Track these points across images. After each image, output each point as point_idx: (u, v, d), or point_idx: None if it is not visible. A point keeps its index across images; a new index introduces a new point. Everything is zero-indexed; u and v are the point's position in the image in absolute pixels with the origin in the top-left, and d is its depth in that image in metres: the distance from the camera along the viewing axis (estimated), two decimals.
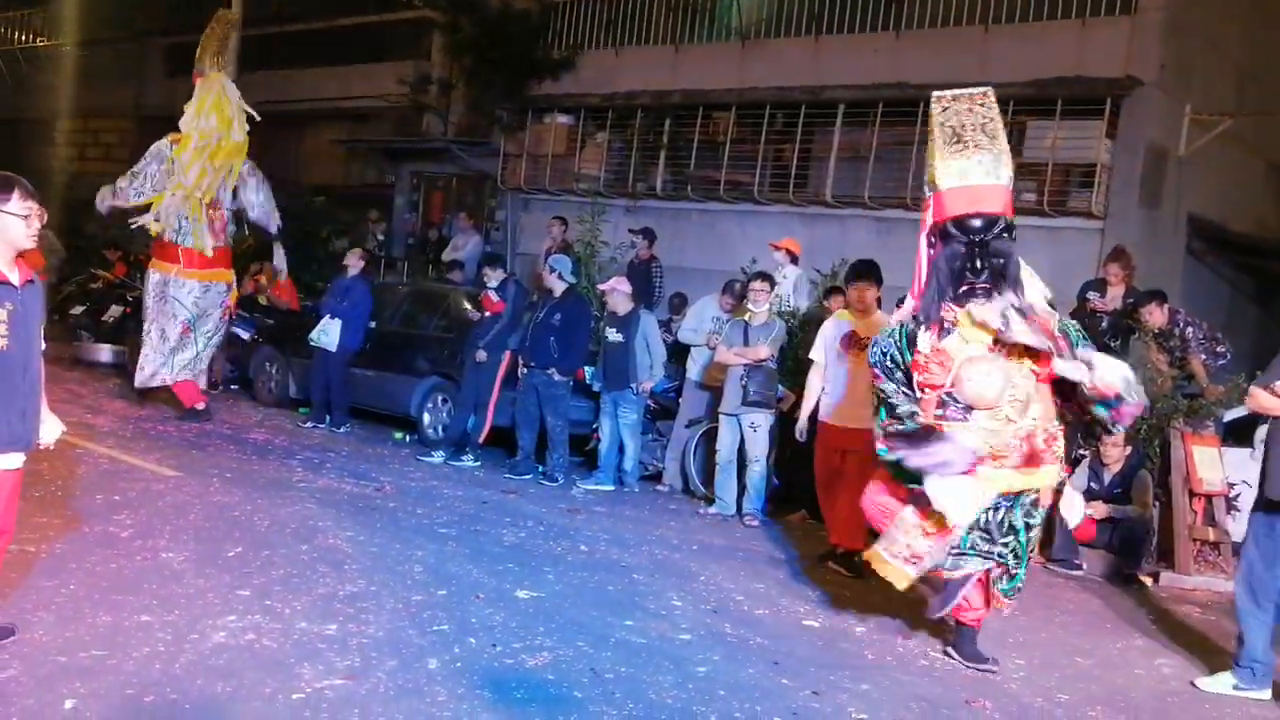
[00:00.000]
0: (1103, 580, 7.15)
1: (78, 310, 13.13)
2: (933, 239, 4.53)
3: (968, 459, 4.31)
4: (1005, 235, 4.47)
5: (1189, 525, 7.24)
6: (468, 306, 9.56)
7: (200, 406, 9.25)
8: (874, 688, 4.43)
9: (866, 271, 6.59)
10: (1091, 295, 8.70)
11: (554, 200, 14.40)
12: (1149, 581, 7.05)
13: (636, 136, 14.05)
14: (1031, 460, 4.47)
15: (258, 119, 9.28)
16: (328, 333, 9.77)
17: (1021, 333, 4.28)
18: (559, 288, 8.64)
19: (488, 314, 8.93)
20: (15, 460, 3.67)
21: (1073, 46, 10.88)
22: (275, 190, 14.88)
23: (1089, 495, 7.35)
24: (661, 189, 13.75)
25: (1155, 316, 7.95)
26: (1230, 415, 7.88)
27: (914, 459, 4.37)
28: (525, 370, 8.56)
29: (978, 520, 4.50)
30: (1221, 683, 4.86)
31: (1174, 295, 9.02)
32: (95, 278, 13.81)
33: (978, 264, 4.38)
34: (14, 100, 22.51)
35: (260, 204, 9.44)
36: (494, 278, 9.08)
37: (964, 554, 4.58)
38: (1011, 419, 4.40)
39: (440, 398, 9.49)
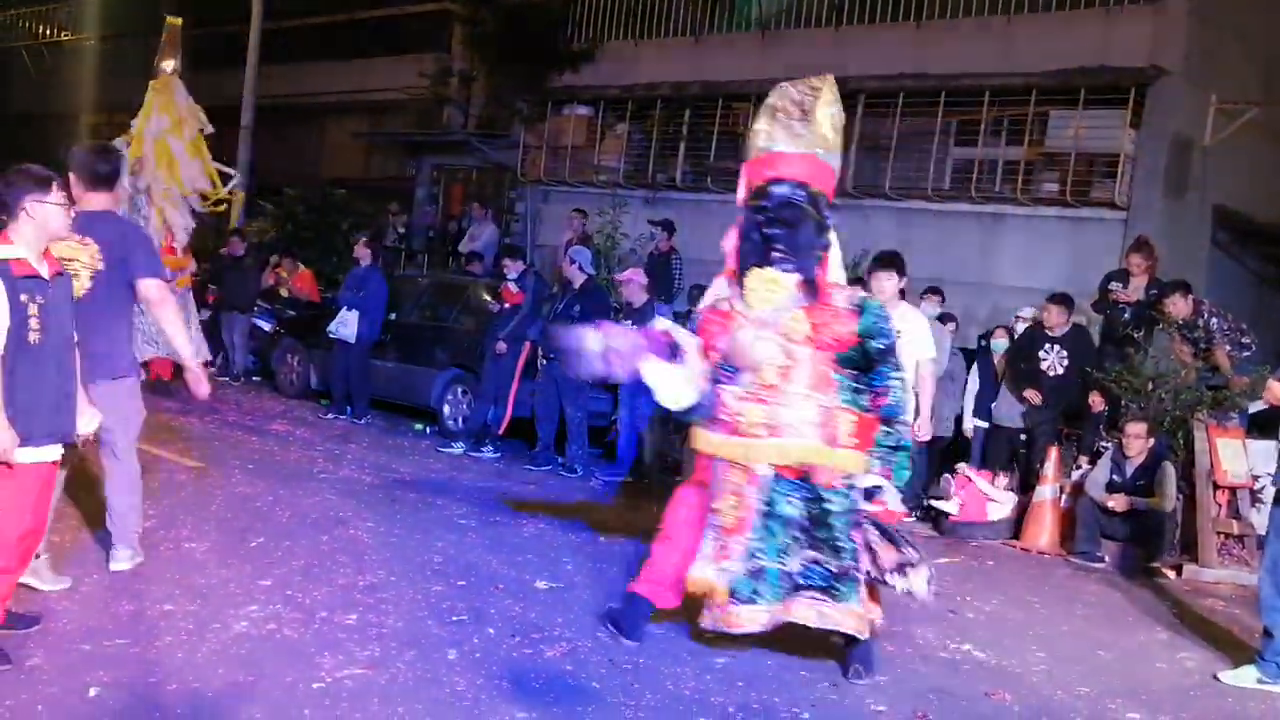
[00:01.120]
0: (1124, 573, 7.09)
1: None
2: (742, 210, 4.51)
3: (634, 340, 4.44)
4: (802, 204, 4.29)
5: (1212, 518, 7.18)
6: (487, 298, 9.59)
7: (166, 379, 9.46)
8: (892, 680, 4.42)
9: (889, 261, 6.52)
10: (1114, 286, 8.63)
11: (574, 192, 14.40)
12: (1171, 574, 6.99)
13: (656, 128, 14.02)
14: (830, 442, 4.25)
15: (209, 128, 9.52)
16: (346, 324, 9.83)
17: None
18: (579, 279, 8.64)
19: (507, 305, 8.96)
20: (51, 453, 3.71)
21: (1096, 35, 10.76)
22: (297, 182, 15.08)
23: (1111, 487, 7.30)
24: (681, 180, 13.73)
25: (1179, 307, 7.87)
26: (1255, 407, 7.79)
27: (584, 360, 4.42)
28: (544, 362, 8.58)
29: (770, 525, 4.20)
30: (1245, 676, 4.82)
31: (1199, 286, 8.91)
32: None
33: (769, 232, 4.28)
34: (39, 95, 22.72)
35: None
36: (513, 269, 9.10)
37: (763, 569, 4.18)
38: (771, 383, 4.20)
39: (460, 389, 9.52)
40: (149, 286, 4.54)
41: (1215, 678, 4.90)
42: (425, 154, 17.04)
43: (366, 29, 17.78)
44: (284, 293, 12.01)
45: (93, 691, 3.41)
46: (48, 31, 24.39)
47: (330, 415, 9.87)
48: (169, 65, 9.54)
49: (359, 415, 9.84)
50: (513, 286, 8.95)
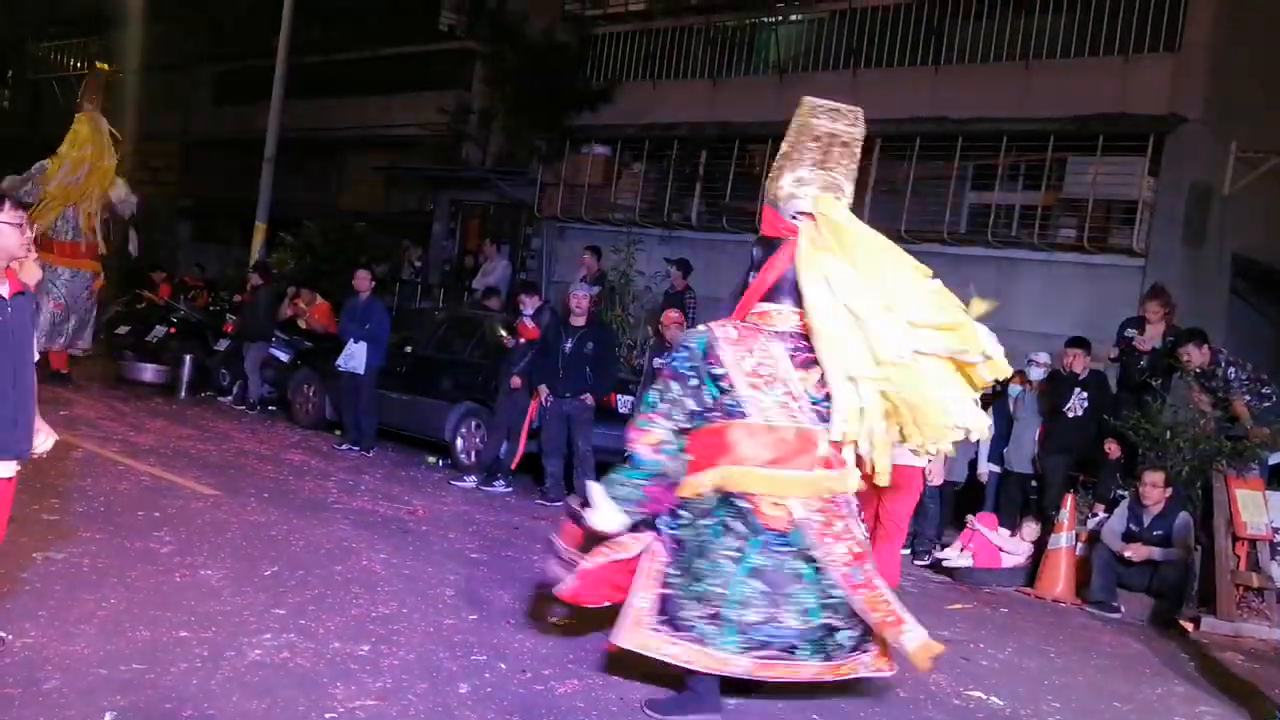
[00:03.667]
0: (1142, 624, 7.01)
1: (122, 330, 13.38)
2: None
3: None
4: None
5: (1231, 570, 7.09)
6: (503, 333, 9.63)
7: (64, 372, 11.14)
8: None
9: None
10: (1131, 333, 8.61)
11: (590, 229, 14.49)
12: (1190, 627, 6.90)
13: (673, 168, 14.15)
14: None
15: (120, 139, 11.56)
16: (353, 356, 9.88)
17: None
18: (582, 318, 8.73)
19: (522, 341, 8.99)
20: (7, 469, 3.69)
21: (1115, 82, 10.81)
22: (317, 215, 15.40)
23: (1128, 536, 7.24)
24: (697, 220, 13.82)
25: (1194, 357, 7.83)
26: (1275, 458, 7.72)
27: None
28: (551, 399, 8.56)
29: None
30: None
31: (1217, 336, 8.88)
32: (140, 298, 14.09)
33: None
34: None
35: (123, 199, 11.52)
36: (529, 305, 9.16)
37: None
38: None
39: (474, 423, 9.53)
40: None
41: None
42: (444, 189, 17.21)
43: (388, 65, 18.05)
44: (302, 324, 12.10)
45: (108, 716, 3.42)
46: (81, 64, 24.86)
47: (344, 447, 9.90)
48: (92, 103, 11.35)
49: (367, 448, 9.85)
50: (529, 322, 9.00)
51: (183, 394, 11.95)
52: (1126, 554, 7.17)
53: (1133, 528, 7.26)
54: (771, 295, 4.35)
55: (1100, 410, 8.09)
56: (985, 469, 8.70)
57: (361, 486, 8.14)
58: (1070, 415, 8.17)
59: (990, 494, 8.72)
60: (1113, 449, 7.97)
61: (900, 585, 6.72)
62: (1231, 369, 7.87)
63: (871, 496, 6.40)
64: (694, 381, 4.23)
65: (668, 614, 4.12)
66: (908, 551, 7.77)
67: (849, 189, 4.44)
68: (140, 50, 21.99)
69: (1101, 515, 7.70)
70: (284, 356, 11.63)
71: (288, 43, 14.98)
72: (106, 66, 11.93)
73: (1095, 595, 7.24)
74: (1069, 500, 7.75)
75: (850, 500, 4.25)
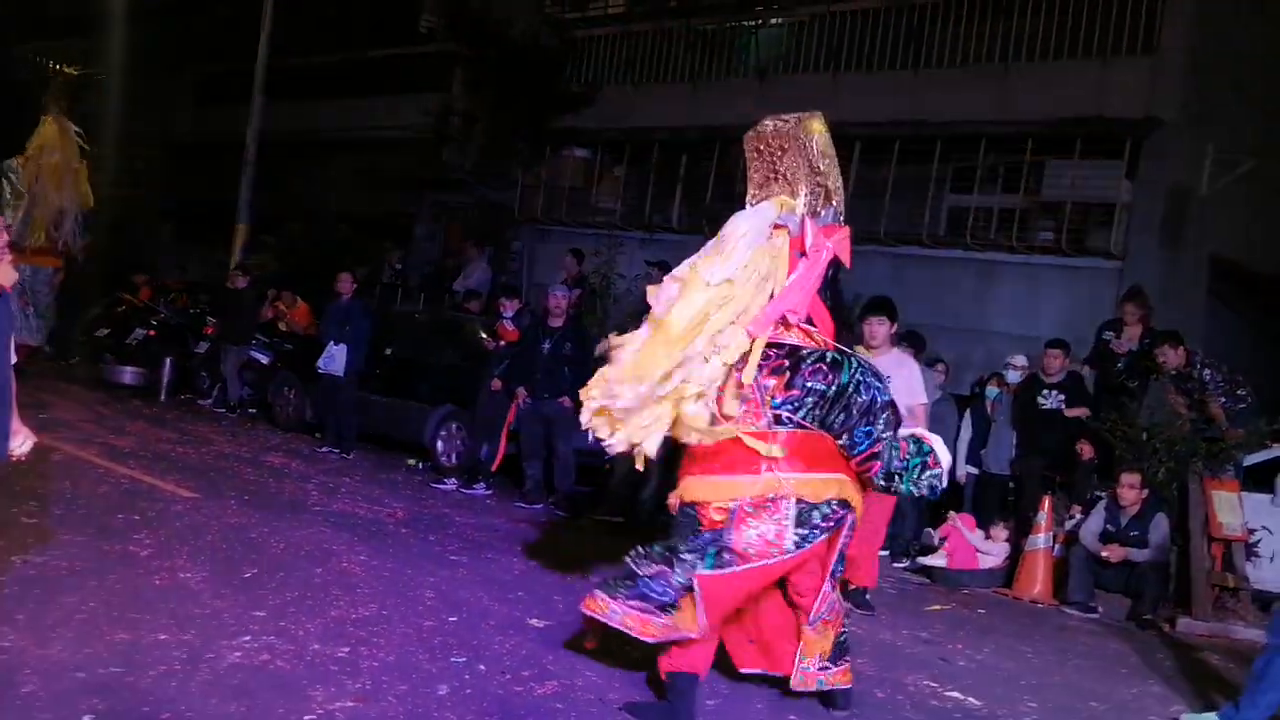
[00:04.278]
0: (1119, 624, 7.07)
1: (102, 333, 13.30)
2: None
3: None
4: None
5: (1207, 570, 7.17)
6: (483, 336, 9.64)
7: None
8: None
9: (880, 306, 6.57)
10: (1108, 335, 8.69)
11: (571, 232, 14.50)
12: (1166, 627, 6.97)
13: (654, 170, 14.17)
14: None
15: (87, 147, 11.43)
16: (334, 359, 9.88)
17: None
18: (559, 319, 8.75)
19: (503, 343, 9.00)
20: None
21: (1093, 85, 10.90)
22: (298, 217, 15.38)
23: (1105, 537, 7.30)
24: (678, 222, 13.84)
25: (1169, 359, 7.90)
26: (1250, 459, 7.81)
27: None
28: (529, 401, 8.56)
29: None
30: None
31: (1195, 337, 8.94)
32: (120, 301, 14.00)
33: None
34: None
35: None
36: (509, 308, 9.17)
37: None
38: None
39: (454, 425, 9.53)
40: None
41: None
42: (425, 191, 17.17)
43: (370, 68, 18.00)
44: (283, 326, 12.06)
45: (86, 719, 3.40)
46: (62, 66, 24.67)
47: (324, 449, 9.87)
48: (58, 107, 11.31)
49: (347, 450, 9.83)
50: (508, 324, 9.01)
51: (163, 396, 11.89)
52: (1104, 555, 7.23)
53: (1110, 529, 7.32)
54: None
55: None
56: (962, 471, 8.76)
57: (341, 489, 8.12)
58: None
59: (968, 496, 8.78)
60: (1085, 450, 8.03)
61: (879, 586, 6.78)
62: (1207, 370, 7.95)
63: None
64: None
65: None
66: (886, 553, 7.81)
67: (800, 182, 4.47)
68: (123, 52, 21.83)
69: (1079, 517, 7.76)
70: (264, 359, 11.60)
71: (268, 45, 14.93)
72: (73, 71, 11.85)
73: (1073, 596, 7.30)
74: (1046, 502, 7.81)
75: (810, 508, 4.00)
